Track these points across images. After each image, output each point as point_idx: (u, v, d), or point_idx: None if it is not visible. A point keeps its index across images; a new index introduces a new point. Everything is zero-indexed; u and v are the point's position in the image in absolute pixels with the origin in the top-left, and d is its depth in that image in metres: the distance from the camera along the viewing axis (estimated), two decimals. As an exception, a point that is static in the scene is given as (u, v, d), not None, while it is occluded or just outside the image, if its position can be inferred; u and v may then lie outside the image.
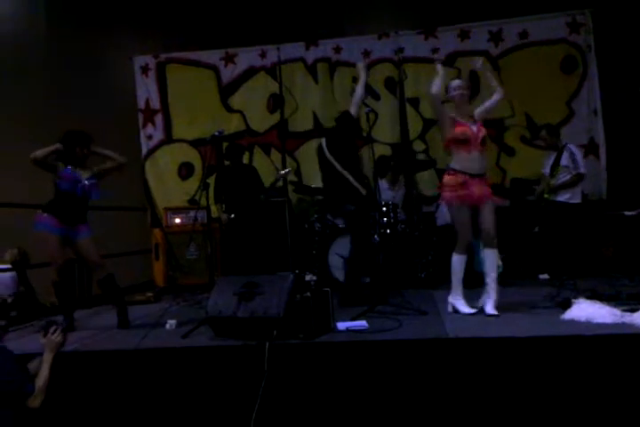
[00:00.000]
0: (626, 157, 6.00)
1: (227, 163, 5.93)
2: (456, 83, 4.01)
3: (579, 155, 5.43)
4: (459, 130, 3.88)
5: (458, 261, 3.95)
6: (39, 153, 3.96)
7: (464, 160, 3.89)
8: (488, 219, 3.92)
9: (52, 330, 2.85)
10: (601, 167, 6.17)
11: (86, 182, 4.09)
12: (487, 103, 4.11)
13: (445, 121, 3.96)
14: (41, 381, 2.72)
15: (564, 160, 5.35)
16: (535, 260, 5.63)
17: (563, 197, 5.34)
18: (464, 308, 3.93)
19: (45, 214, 4.03)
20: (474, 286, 4.20)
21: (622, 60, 6.08)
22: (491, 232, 3.93)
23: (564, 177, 5.34)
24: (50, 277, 4.11)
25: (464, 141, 3.87)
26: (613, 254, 5.63)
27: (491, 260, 3.92)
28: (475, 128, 3.93)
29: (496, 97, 4.07)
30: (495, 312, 3.79)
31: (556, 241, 5.30)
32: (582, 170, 5.37)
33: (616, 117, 6.16)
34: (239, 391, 3.05)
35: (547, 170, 5.53)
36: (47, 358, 2.76)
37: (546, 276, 5.40)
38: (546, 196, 5.38)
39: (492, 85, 4.12)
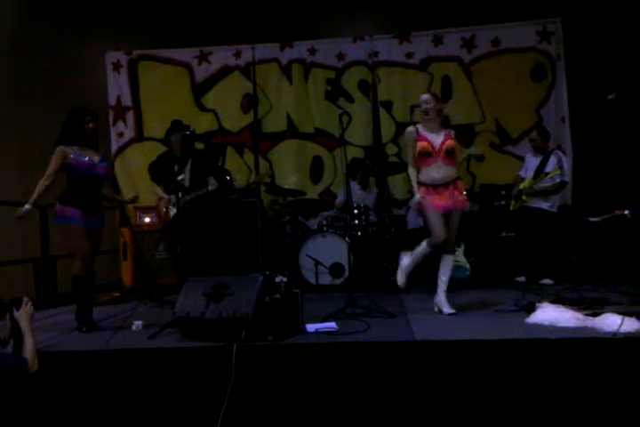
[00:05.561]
0: (591, 163, 6.15)
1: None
2: (423, 98, 4.12)
3: (566, 162, 5.48)
4: (420, 144, 4.04)
5: (423, 249, 4.06)
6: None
7: (427, 172, 4.04)
8: (452, 229, 4.05)
9: (25, 302, 3.05)
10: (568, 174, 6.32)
11: (101, 165, 3.98)
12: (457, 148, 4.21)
13: (409, 146, 4.13)
14: (29, 348, 2.91)
15: (551, 166, 5.39)
16: (510, 263, 5.70)
17: (544, 204, 5.39)
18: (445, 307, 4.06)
19: (67, 207, 3.85)
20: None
21: (591, 68, 6.22)
22: (452, 241, 4.10)
23: (547, 182, 5.37)
24: (71, 270, 3.92)
25: (426, 155, 4.02)
26: (578, 260, 5.76)
27: (447, 264, 4.09)
28: (438, 141, 4.04)
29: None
30: (454, 311, 3.99)
31: (533, 246, 5.39)
32: (567, 178, 5.44)
33: (583, 125, 6.30)
34: (206, 394, 3.03)
35: (528, 173, 5.55)
36: (26, 327, 2.99)
37: (522, 278, 5.48)
38: (524, 198, 5.44)
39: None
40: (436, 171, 4.01)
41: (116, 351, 3.28)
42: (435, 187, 4.01)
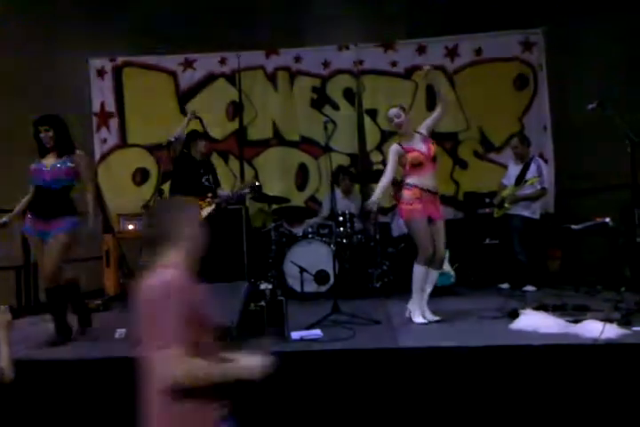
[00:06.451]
0: (573, 172, 6.22)
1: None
2: (391, 112, 4.15)
3: (545, 170, 5.56)
4: (411, 155, 4.07)
5: (419, 272, 4.04)
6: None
7: (420, 178, 4.07)
8: (440, 240, 4.10)
9: (1, 309, 2.89)
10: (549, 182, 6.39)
11: (45, 169, 3.79)
12: (429, 121, 4.21)
13: (395, 160, 4.12)
14: (4, 357, 2.79)
15: (531, 173, 5.46)
16: (494, 270, 5.74)
17: (526, 212, 5.45)
18: (417, 317, 4.02)
19: (28, 215, 3.85)
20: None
21: (572, 77, 6.31)
22: (441, 254, 4.15)
23: (528, 189, 5.43)
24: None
25: (419, 164, 4.06)
26: (560, 267, 5.82)
27: (433, 277, 4.14)
28: (424, 148, 4.09)
29: (436, 114, 4.18)
30: (437, 317, 4.05)
31: (515, 253, 5.44)
32: (546, 185, 5.52)
33: (564, 133, 6.39)
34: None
35: (510, 180, 5.62)
36: (2, 335, 2.86)
37: (506, 285, 5.52)
38: (506, 205, 5.49)
39: (439, 98, 4.19)
40: (430, 179, 4.09)
41: (98, 360, 3.24)
42: (427, 192, 4.05)
